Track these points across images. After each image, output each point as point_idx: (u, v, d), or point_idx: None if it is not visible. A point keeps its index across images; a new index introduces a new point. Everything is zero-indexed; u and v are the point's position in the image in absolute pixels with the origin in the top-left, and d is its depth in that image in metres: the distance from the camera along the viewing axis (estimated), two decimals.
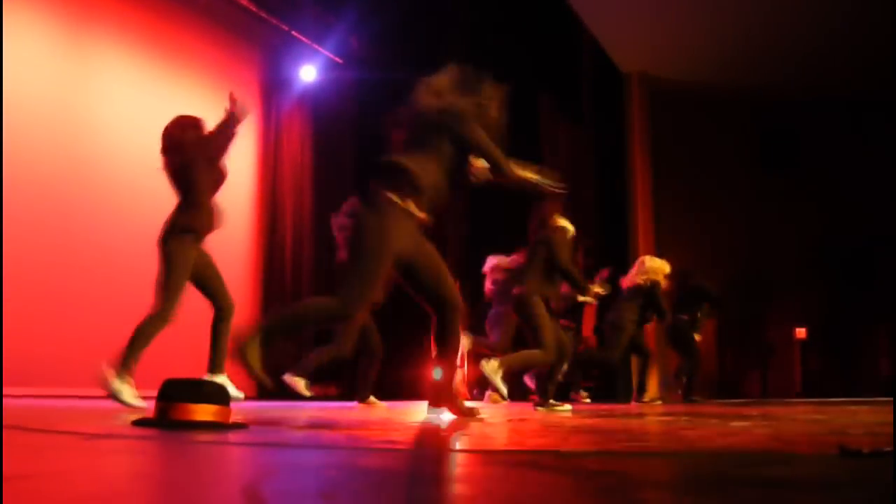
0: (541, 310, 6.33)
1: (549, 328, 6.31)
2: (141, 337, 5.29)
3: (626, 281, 8.81)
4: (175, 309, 5.40)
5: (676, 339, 9.63)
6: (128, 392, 5.15)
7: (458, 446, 2.66)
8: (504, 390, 6.53)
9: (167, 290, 5.39)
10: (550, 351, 6.28)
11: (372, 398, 7.22)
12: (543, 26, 11.37)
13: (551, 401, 6.36)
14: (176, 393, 3.11)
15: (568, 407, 6.43)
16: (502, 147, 4.31)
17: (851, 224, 12.31)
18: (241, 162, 10.61)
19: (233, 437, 2.82)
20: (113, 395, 5.11)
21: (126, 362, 5.21)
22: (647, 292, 8.58)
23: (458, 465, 2.08)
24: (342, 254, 7.22)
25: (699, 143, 12.80)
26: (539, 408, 6.26)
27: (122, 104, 9.10)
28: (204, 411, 3.06)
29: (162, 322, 5.35)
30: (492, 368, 6.10)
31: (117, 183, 8.76)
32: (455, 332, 4.22)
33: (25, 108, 8.05)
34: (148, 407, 4.66)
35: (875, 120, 12.09)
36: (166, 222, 5.54)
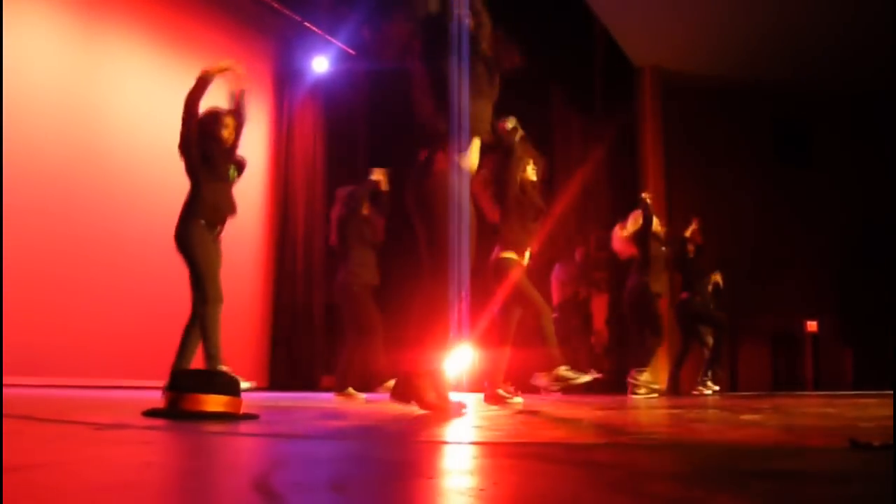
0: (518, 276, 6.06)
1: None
2: (209, 332, 5.32)
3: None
4: (219, 287, 5.40)
5: (692, 320, 9.33)
6: None
7: (468, 438, 2.66)
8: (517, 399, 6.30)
9: (203, 279, 5.37)
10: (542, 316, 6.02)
11: (350, 389, 7.12)
12: (557, 18, 11.34)
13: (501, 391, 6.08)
14: (186, 383, 3.12)
15: (520, 399, 6.09)
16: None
17: (864, 216, 12.26)
18: (253, 153, 10.62)
19: (243, 427, 2.83)
20: None
21: (211, 358, 5.30)
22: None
23: (469, 457, 2.08)
24: (333, 238, 7.41)
25: (712, 136, 12.76)
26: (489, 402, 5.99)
27: (133, 94, 9.12)
28: (214, 402, 3.07)
29: (215, 305, 5.36)
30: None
31: (128, 173, 8.79)
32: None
33: (37, 97, 8.07)
34: (253, 385, 4.95)
35: (888, 112, 12.02)
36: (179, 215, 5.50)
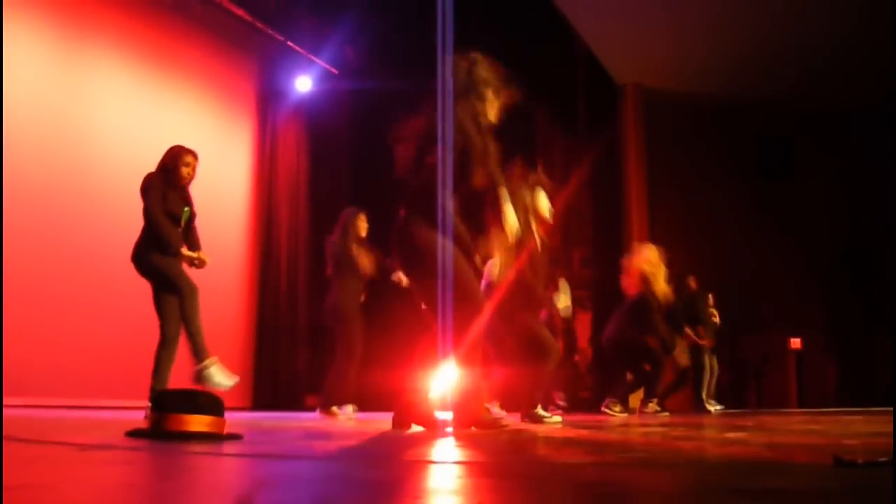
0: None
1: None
2: (191, 324, 5.43)
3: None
4: (190, 280, 5.47)
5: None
6: (218, 373, 5.38)
7: (453, 458, 2.65)
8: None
9: (173, 278, 5.46)
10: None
11: (335, 408, 7.10)
12: (539, 38, 11.39)
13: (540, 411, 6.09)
14: (170, 404, 3.10)
15: (559, 418, 6.10)
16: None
17: (847, 233, 12.32)
18: (237, 172, 10.60)
19: (227, 447, 2.81)
20: (211, 383, 5.32)
21: (198, 352, 5.40)
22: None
23: (453, 476, 2.07)
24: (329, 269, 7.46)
25: (694, 154, 12.80)
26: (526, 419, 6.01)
27: (119, 114, 9.09)
28: (198, 422, 3.05)
29: (192, 296, 5.42)
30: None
31: (114, 193, 8.74)
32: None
33: (23, 117, 8.03)
34: (238, 380, 5.42)
35: (870, 129, 12.11)
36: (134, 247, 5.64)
